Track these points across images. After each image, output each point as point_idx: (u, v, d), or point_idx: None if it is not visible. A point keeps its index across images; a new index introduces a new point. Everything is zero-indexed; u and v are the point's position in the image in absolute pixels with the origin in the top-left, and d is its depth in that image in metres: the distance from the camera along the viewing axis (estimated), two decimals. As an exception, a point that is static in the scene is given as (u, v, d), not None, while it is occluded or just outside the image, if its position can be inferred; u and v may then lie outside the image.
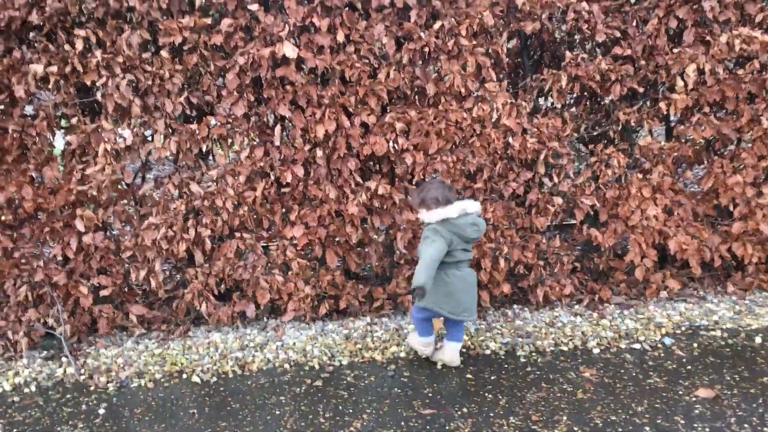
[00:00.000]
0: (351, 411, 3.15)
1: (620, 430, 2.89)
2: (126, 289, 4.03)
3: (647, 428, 2.89)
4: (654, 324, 3.87)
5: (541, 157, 3.92)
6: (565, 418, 3.01)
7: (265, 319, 4.14)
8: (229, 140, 3.81)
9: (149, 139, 3.82)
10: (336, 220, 3.89)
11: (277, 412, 3.16)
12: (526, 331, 3.87)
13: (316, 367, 3.59)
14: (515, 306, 4.21)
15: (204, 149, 3.90)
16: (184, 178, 3.81)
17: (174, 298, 4.04)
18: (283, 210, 3.89)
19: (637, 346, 3.65)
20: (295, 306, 3.96)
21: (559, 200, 3.95)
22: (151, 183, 3.92)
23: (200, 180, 3.83)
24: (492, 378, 3.40)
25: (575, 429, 2.92)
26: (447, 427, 2.98)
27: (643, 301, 4.16)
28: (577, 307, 4.15)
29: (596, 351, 3.63)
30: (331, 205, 3.82)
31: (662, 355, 3.54)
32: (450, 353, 3.52)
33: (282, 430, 3.01)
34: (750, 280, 4.20)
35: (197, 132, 3.73)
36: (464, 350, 3.67)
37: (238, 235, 3.89)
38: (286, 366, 3.61)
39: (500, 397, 3.21)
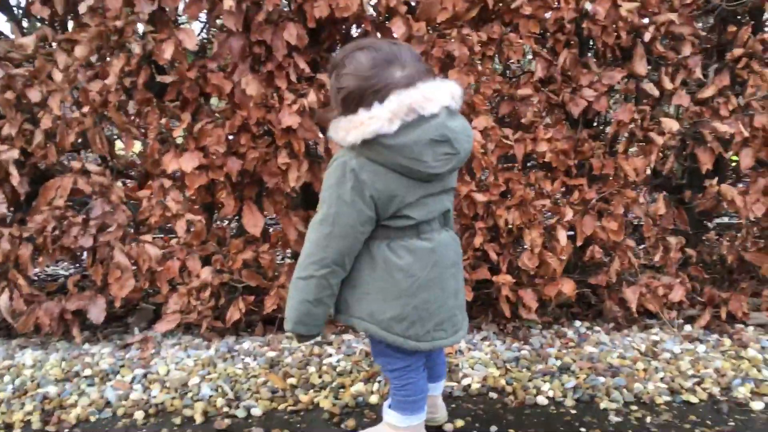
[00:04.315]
0: None
1: None
2: None
3: None
4: None
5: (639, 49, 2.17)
6: None
7: (135, 331, 2.31)
8: None
9: None
10: (262, 141, 2.10)
11: None
12: (609, 365, 2.05)
13: (198, 419, 1.75)
14: (577, 322, 2.38)
15: None
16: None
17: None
18: (160, 116, 2.10)
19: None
20: (179, 304, 2.14)
21: (673, 125, 2.16)
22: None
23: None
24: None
25: None
26: None
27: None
28: (688, 328, 2.33)
29: (758, 406, 1.81)
30: (250, 112, 2.04)
31: None
32: (441, 405, 1.71)
33: None
34: None
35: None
36: (501, 397, 1.86)
37: (76, 164, 2.09)
38: (138, 415, 1.77)
39: None
